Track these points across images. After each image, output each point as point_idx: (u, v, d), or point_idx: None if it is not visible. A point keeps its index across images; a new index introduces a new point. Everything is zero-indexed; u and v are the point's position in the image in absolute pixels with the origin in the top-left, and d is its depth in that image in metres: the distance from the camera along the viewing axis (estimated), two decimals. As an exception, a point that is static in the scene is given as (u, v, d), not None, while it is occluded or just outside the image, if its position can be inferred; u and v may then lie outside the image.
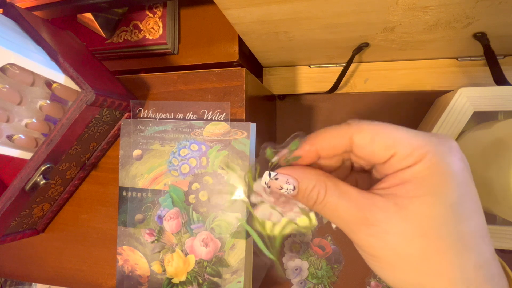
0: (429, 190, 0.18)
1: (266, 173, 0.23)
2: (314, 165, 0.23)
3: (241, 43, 0.48)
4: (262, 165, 0.25)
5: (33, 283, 0.73)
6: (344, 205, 0.20)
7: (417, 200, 0.18)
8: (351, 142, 0.21)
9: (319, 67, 0.51)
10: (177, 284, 0.36)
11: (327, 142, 0.22)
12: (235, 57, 0.48)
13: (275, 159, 0.24)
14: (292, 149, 0.24)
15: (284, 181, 0.22)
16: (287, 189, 0.22)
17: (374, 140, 0.20)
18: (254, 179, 0.25)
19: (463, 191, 0.19)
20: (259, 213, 0.25)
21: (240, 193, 0.35)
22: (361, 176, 0.24)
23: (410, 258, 0.19)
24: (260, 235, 0.26)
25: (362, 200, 0.20)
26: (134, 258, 0.38)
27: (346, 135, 0.21)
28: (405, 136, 0.19)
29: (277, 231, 0.25)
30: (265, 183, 0.23)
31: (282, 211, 0.25)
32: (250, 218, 0.26)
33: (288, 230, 0.25)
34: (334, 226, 0.23)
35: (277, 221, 0.25)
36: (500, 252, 0.44)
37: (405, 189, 0.19)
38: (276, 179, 0.22)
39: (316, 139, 0.22)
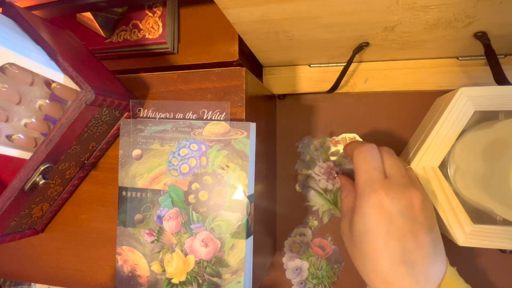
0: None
1: (334, 174, 0.49)
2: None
3: (241, 42, 0.48)
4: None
5: (32, 283, 0.73)
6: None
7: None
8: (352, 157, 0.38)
9: (319, 66, 0.51)
10: (176, 284, 0.36)
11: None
12: (235, 56, 0.48)
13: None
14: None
15: (337, 181, 0.44)
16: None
17: (355, 162, 0.36)
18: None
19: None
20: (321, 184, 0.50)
21: (240, 193, 0.35)
22: None
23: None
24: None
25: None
26: (134, 258, 0.38)
27: (351, 151, 0.38)
28: (363, 169, 0.35)
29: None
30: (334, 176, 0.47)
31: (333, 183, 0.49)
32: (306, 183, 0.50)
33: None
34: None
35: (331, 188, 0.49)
36: (501, 252, 0.44)
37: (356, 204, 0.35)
38: (335, 177, 0.47)
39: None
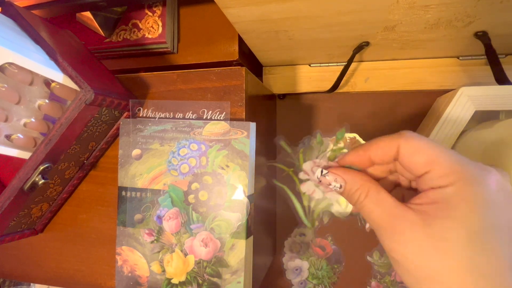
0: (452, 215, 0.20)
1: (319, 169, 0.27)
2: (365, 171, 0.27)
3: (241, 42, 0.48)
4: (309, 151, 0.31)
5: (31, 284, 0.73)
6: (378, 211, 0.23)
7: (440, 221, 0.20)
8: (398, 152, 0.23)
9: (320, 66, 0.51)
10: (176, 285, 0.36)
11: (380, 148, 0.24)
12: (235, 56, 0.48)
13: (328, 148, 0.30)
14: (339, 138, 0.30)
15: (333, 179, 0.26)
16: (334, 186, 0.26)
17: (416, 153, 0.22)
18: (304, 160, 0.31)
19: (489, 224, 0.20)
20: (304, 188, 0.31)
21: (240, 193, 0.34)
22: (408, 192, 0.27)
23: (424, 269, 0.21)
24: (301, 205, 0.32)
25: (395, 210, 0.22)
26: (134, 258, 0.37)
27: (396, 143, 0.23)
28: (445, 158, 0.21)
29: (316, 205, 0.31)
30: (317, 177, 0.27)
31: (324, 191, 0.30)
32: (294, 189, 0.32)
33: (325, 207, 0.31)
34: (367, 226, 0.27)
35: (319, 198, 0.31)
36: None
37: (434, 208, 0.21)
38: (326, 175, 0.26)
39: (370, 145, 0.25)
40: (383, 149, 0.24)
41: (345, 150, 0.31)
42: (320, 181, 0.27)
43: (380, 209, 0.23)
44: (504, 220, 0.20)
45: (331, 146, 0.31)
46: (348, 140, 0.51)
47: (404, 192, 0.27)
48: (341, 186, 0.25)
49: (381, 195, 0.23)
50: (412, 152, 0.22)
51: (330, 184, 0.26)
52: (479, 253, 0.19)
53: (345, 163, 0.27)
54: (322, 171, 0.26)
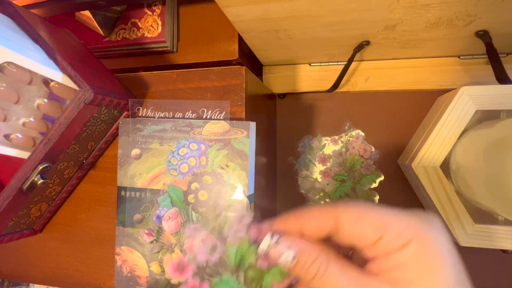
0: (427, 274, 0.19)
1: (269, 234, 0.22)
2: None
3: (241, 41, 0.48)
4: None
5: (30, 284, 0.73)
6: (344, 282, 0.20)
7: (417, 285, 0.19)
8: (337, 223, 0.21)
9: (320, 65, 0.51)
10: (176, 285, 0.36)
11: (314, 219, 0.22)
12: (235, 55, 0.48)
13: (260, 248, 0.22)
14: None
15: (286, 247, 0.21)
16: (286, 258, 0.21)
17: (361, 221, 0.20)
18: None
19: (457, 272, 0.19)
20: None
21: (240, 193, 0.34)
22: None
23: None
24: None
25: (362, 281, 0.20)
26: (133, 258, 0.37)
27: (332, 216, 0.21)
28: (390, 218, 0.20)
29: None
30: (268, 245, 0.22)
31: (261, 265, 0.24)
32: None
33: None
34: None
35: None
36: (502, 252, 0.44)
37: (403, 273, 0.19)
38: (277, 243, 0.22)
39: (302, 214, 0.22)
40: (317, 220, 0.22)
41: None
42: (266, 254, 0.22)
43: (345, 282, 0.20)
44: (460, 267, 0.20)
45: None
46: (349, 140, 0.51)
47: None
48: (294, 257, 0.21)
49: (343, 266, 0.21)
50: (355, 222, 0.21)
51: (280, 256, 0.21)
52: None
53: (274, 227, 0.23)
54: (273, 236, 0.21)
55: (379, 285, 0.19)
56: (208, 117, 0.36)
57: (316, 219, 0.22)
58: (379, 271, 0.20)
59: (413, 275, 0.19)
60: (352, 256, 0.24)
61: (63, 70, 0.32)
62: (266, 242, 0.22)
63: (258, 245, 0.22)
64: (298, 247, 0.21)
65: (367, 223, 0.20)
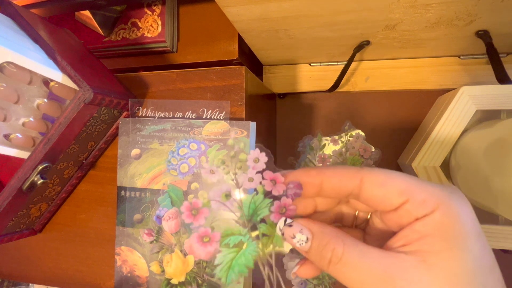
0: (454, 243, 0.18)
1: (282, 219, 0.22)
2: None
3: (241, 41, 0.48)
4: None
5: (30, 284, 0.73)
6: (366, 264, 0.18)
7: (444, 254, 0.18)
8: (361, 184, 0.20)
9: (320, 65, 0.50)
10: (176, 285, 0.36)
11: (337, 176, 0.21)
12: (235, 55, 0.48)
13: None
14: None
15: (298, 230, 0.21)
16: (300, 240, 0.21)
17: (386, 184, 0.19)
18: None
19: (483, 243, 0.18)
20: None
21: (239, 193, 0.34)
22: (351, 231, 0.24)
23: None
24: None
25: (386, 260, 0.18)
26: (133, 258, 0.37)
27: (356, 177, 0.20)
28: (416, 185, 0.19)
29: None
30: (280, 229, 0.22)
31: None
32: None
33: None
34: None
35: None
36: (503, 252, 0.44)
37: (429, 243, 0.18)
38: (290, 226, 0.21)
39: (326, 170, 0.21)
40: (340, 178, 0.21)
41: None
42: (283, 234, 0.22)
43: (367, 262, 0.18)
44: (485, 238, 0.19)
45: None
46: (349, 139, 0.51)
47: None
48: (307, 239, 0.21)
49: (362, 246, 0.19)
50: (380, 184, 0.20)
51: (294, 237, 0.21)
52: (485, 277, 0.18)
53: (291, 178, 0.22)
54: (286, 220, 0.22)
55: (406, 259, 0.18)
56: (208, 117, 0.36)
57: (339, 177, 0.21)
58: (402, 245, 0.19)
59: (440, 245, 0.18)
60: (365, 238, 0.23)
61: (63, 70, 0.32)
62: (280, 224, 0.22)
63: (273, 198, 0.22)
64: (310, 230, 0.21)
65: (393, 186, 0.19)
